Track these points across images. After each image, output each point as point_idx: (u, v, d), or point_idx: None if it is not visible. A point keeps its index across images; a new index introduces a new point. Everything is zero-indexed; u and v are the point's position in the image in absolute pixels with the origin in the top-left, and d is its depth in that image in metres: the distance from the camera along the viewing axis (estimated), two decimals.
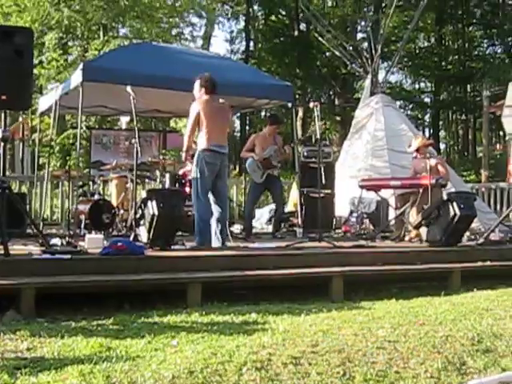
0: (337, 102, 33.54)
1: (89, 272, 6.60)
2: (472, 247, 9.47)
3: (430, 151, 11.28)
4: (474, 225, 10.47)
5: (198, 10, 23.86)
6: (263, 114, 33.80)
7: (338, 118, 32.27)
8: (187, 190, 10.61)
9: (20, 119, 12.56)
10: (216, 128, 8.51)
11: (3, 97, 6.67)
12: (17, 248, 7.36)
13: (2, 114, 7.08)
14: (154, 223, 7.58)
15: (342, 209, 12.68)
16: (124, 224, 10.80)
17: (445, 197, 9.30)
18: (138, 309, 6.18)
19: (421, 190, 10.11)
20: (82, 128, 10.94)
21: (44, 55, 19.66)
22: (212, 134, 8.44)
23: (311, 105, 9.71)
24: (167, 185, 11.05)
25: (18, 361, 4.43)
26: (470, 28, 37.47)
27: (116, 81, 9.93)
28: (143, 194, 8.32)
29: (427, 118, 41.04)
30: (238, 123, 33.79)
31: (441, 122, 40.56)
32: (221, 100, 8.74)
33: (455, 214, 8.96)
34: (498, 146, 34.91)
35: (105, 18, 19.96)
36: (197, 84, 8.71)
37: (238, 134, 31.75)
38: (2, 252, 6.59)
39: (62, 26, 19.02)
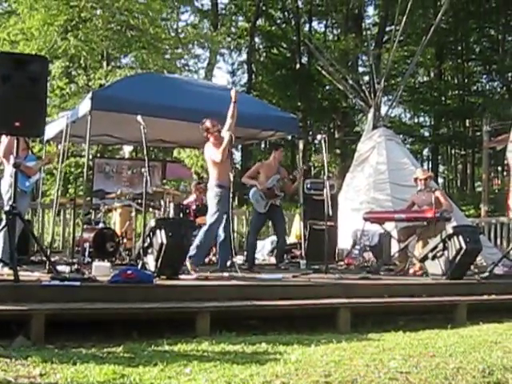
0: (337, 135, 33.67)
1: (98, 299, 6.61)
2: (477, 281, 9.48)
3: (432, 184, 11.34)
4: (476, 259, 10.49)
5: (203, 41, 24.01)
6: (263, 145, 33.96)
7: (338, 151, 32.38)
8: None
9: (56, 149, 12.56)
10: None
11: (17, 123, 6.73)
12: (24, 274, 7.34)
13: (15, 141, 7.12)
14: (163, 252, 7.59)
15: (343, 241, 12.69)
16: (127, 253, 10.81)
17: (450, 230, 9.31)
18: (146, 337, 6.17)
19: (425, 223, 10.16)
20: (88, 156, 10.93)
21: (49, 83, 19.75)
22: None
23: (319, 137, 9.74)
24: (171, 214, 11.09)
25: None
26: (470, 63, 37.76)
27: (125, 110, 9.99)
28: (150, 223, 8.34)
29: (426, 152, 41.22)
30: (239, 155, 33.88)
31: (440, 157, 40.69)
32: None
33: (461, 248, 8.99)
34: (496, 180, 35.05)
35: (111, 48, 20.14)
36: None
37: (240, 166, 31.80)
38: (12, 278, 6.62)
39: (68, 54, 19.16)
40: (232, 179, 8.90)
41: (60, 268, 7.93)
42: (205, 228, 8.92)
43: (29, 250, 9.98)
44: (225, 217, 8.89)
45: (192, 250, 8.64)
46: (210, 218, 8.94)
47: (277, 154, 11.14)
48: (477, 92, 36.67)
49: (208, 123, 9.07)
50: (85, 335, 6.17)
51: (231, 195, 9.06)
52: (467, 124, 37.12)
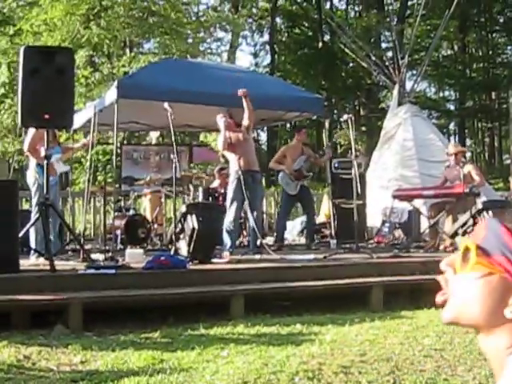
0: (362, 113, 33.51)
1: (133, 286, 6.70)
2: None
3: (463, 159, 11.27)
4: None
5: (225, 24, 23.96)
6: (288, 126, 33.92)
7: (364, 129, 32.23)
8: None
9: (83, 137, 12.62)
10: None
11: (46, 116, 6.81)
12: (60, 264, 7.45)
13: (45, 133, 7.20)
14: (194, 237, 7.67)
15: (372, 219, 12.69)
16: (159, 238, 10.91)
17: (479, 205, 9.27)
18: (183, 321, 6.25)
19: (454, 199, 10.11)
20: (116, 144, 11.02)
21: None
22: None
23: (345, 117, 9.79)
24: (200, 199, 11.14)
25: (73, 374, 4.54)
26: (494, 35, 37.37)
27: (151, 97, 10.05)
28: (181, 209, 8.42)
29: (452, 126, 40.88)
30: (264, 136, 33.88)
31: (466, 131, 40.31)
32: None
33: None
34: None
35: (133, 35, 20.20)
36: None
37: (265, 148, 31.80)
38: (48, 268, 6.73)
39: (91, 43, 19.22)
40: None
41: (94, 256, 8.03)
42: (227, 216, 9.01)
43: (62, 240, 10.11)
44: (246, 201, 8.94)
45: (224, 240, 8.84)
46: (228, 204, 9.09)
47: (299, 135, 11.23)
48: (502, 64, 36.30)
49: (217, 117, 9.22)
50: (122, 322, 6.26)
51: (253, 177, 9.15)
52: (493, 96, 36.78)
